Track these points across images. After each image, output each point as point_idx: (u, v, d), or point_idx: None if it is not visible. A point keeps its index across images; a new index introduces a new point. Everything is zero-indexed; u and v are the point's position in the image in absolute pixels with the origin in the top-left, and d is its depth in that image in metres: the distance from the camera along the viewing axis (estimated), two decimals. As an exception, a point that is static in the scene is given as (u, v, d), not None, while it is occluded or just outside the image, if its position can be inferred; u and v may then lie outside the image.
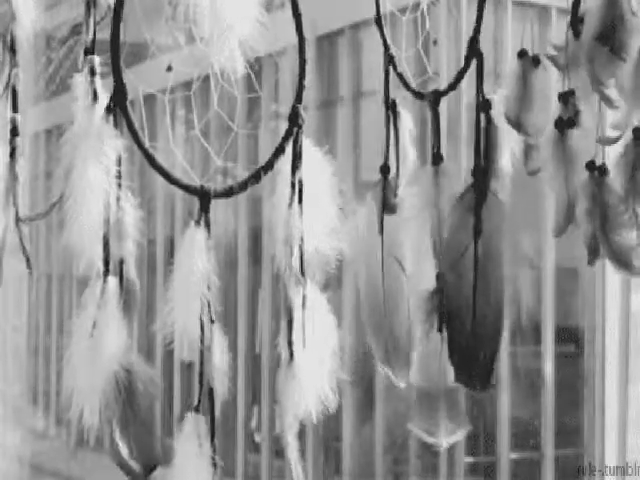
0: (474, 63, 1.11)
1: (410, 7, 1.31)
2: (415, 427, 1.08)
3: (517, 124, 1.21)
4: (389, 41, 1.20)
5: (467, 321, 1.03)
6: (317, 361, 0.93)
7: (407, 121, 1.20)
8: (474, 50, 1.07)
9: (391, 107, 1.19)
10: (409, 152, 1.20)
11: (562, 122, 1.23)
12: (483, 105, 1.07)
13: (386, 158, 1.18)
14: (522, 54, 1.25)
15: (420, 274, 1.11)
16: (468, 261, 1.04)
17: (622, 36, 1.15)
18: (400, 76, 1.19)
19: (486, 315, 1.03)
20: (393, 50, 1.20)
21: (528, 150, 1.26)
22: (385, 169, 1.18)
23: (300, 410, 0.92)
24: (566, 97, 1.23)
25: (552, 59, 1.23)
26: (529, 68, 1.24)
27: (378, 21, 1.20)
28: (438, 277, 1.07)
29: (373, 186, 1.17)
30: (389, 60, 1.19)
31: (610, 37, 1.14)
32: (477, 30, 1.08)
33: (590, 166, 1.25)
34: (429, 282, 1.07)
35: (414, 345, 1.14)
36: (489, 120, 1.08)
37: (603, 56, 1.15)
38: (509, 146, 1.17)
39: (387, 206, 1.16)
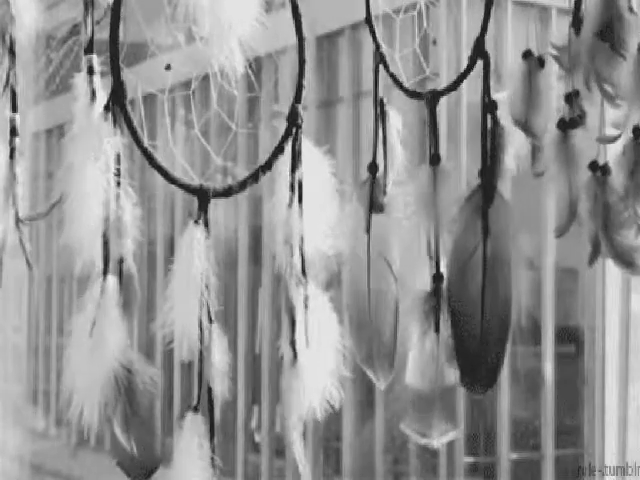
0: (475, 63, 1.10)
1: (409, 7, 1.31)
2: (408, 428, 1.08)
3: (524, 126, 1.21)
4: (382, 40, 1.19)
5: (475, 323, 1.03)
6: (320, 360, 0.92)
7: (395, 120, 1.19)
8: (480, 50, 1.07)
9: (380, 106, 1.19)
10: (397, 151, 1.19)
11: (565, 123, 1.23)
12: (489, 106, 1.07)
13: (374, 157, 1.18)
14: (527, 55, 1.25)
15: (413, 274, 1.10)
16: (476, 262, 1.03)
17: (621, 33, 1.15)
18: (392, 75, 1.18)
19: (494, 317, 1.03)
20: (389, 49, 1.20)
21: (535, 153, 1.26)
22: (373, 167, 1.17)
23: (304, 410, 0.92)
24: (571, 98, 1.23)
25: (557, 59, 1.22)
26: (534, 69, 1.24)
27: (368, 20, 1.20)
28: (435, 278, 1.06)
29: (360, 185, 1.17)
30: (379, 59, 1.18)
31: (609, 34, 1.14)
32: (484, 30, 1.08)
33: (593, 166, 1.25)
34: (423, 283, 1.07)
35: (399, 347, 1.14)
36: (495, 121, 1.07)
37: (604, 52, 1.14)
38: (513, 147, 1.17)
39: (375, 205, 1.15)
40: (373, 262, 1.14)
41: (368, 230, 1.15)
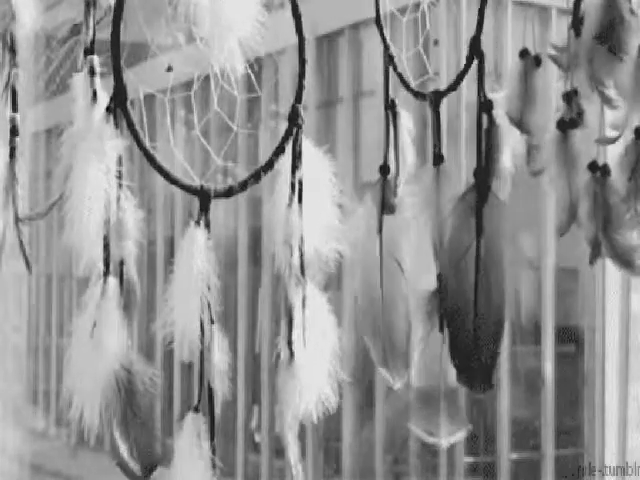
0: (475, 63, 1.10)
1: (411, 7, 1.30)
2: (415, 427, 1.08)
3: (519, 124, 1.21)
4: (389, 41, 1.19)
5: (468, 322, 1.03)
6: (317, 361, 0.92)
7: (407, 121, 1.19)
8: (476, 50, 1.07)
9: (390, 107, 1.19)
10: (408, 152, 1.19)
11: (564, 123, 1.23)
12: (485, 105, 1.07)
13: (385, 158, 1.18)
14: (524, 54, 1.25)
15: (420, 274, 1.10)
16: (469, 261, 1.03)
17: (621, 35, 1.15)
18: (400, 76, 1.18)
19: (487, 315, 1.03)
20: (393, 50, 1.20)
21: (531, 151, 1.26)
22: (385, 169, 1.17)
23: (300, 410, 0.92)
24: (569, 97, 1.23)
25: (554, 59, 1.22)
26: (531, 68, 1.24)
27: (378, 21, 1.20)
28: (439, 277, 1.06)
29: (372, 186, 1.17)
30: (389, 60, 1.19)
31: (609, 36, 1.14)
32: (479, 30, 1.08)
33: (592, 167, 1.25)
34: (430, 282, 1.07)
35: (412, 346, 1.14)
36: (491, 120, 1.07)
37: (602, 55, 1.15)
38: (510, 146, 1.17)
39: (386, 206, 1.15)
40: (385, 263, 1.14)
41: (380, 231, 1.15)
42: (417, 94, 1.16)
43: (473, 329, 1.03)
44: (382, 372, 1.16)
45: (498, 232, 1.03)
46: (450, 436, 1.07)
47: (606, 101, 1.17)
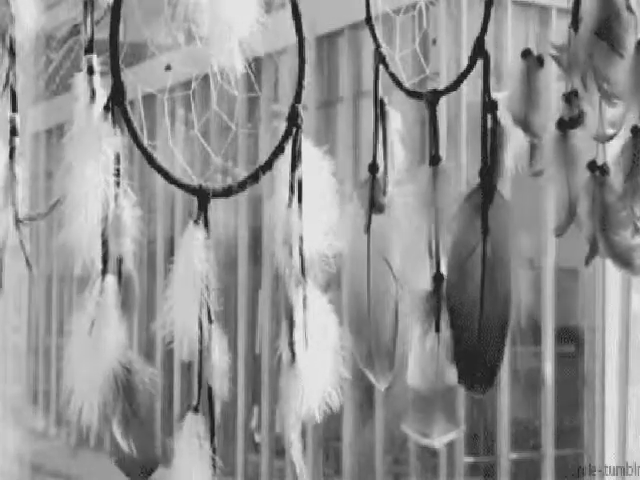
0: (475, 63, 1.10)
1: (409, 7, 1.31)
2: (409, 429, 1.08)
3: (523, 124, 1.21)
4: (382, 40, 1.19)
5: (473, 322, 1.03)
6: (319, 361, 0.92)
7: (396, 120, 1.19)
8: (480, 50, 1.07)
9: (380, 106, 1.19)
10: (397, 151, 1.19)
11: (564, 122, 1.23)
12: (489, 105, 1.06)
13: (374, 157, 1.18)
14: (526, 54, 1.25)
15: (413, 274, 1.10)
16: (475, 261, 1.03)
17: (618, 32, 1.15)
18: (392, 75, 1.18)
19: (493, 316, 1.03)
20: (388, 49, 1.20)
21: (533, 151, 1.26)
22: (373, 168, 1.17)
23: (302, 410, 0.92)
24: (570, 97, 1.23)
25: (556, 59, 1.22)
26: (533, 68, 1.24)
27: (368, 20, 1.20)
28: (435, 277, 1.06)
29: (360, 185, 1.17)
30: (380, 59, 1.18)
31: (607, 32, 1.14)
32: (483, 30, 1.08)
33: (591, 166, 1.25)
34: (424, 282, 1.07)
35: (399, 347, 1.14)
36: (495, 120, 1.07)
37: (602, 50, 1.14)
38: (512, 146, 1.17)
39: (375, 205, 1.15)
40: (373, 262, 1.14)
41: (368, 230, 1.14)
42: (412, 93, 1.16)
43: (478, 330, 1.03)
44: (366, 373, 1.16)
45: (504, 232, 1.03)
46: (443, 436, 1.07)
47: (606, 97, 1.17)
